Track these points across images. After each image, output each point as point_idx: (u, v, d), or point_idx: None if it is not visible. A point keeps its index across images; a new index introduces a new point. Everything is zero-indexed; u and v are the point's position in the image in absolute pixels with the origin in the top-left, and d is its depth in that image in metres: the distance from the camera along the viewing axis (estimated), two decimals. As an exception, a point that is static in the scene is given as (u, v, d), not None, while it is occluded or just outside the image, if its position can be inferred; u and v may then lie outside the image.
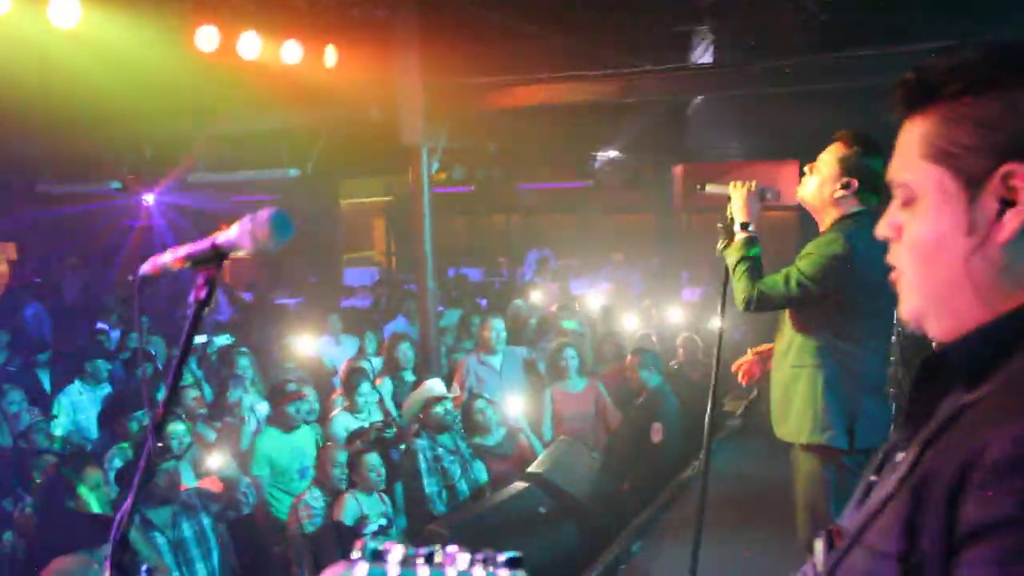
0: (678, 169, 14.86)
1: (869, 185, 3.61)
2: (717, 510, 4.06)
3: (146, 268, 1.62)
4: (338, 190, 15.62)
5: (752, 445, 7.13)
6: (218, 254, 1.51)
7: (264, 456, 6.02)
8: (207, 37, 6.22)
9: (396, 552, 0.89)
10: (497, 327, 7.49)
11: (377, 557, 0.88)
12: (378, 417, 6.90)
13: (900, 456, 1.20)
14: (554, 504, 5.58)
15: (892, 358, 5.21)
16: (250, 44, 6.49)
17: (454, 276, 14.37)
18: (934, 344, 1.23)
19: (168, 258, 1.58)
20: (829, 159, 3.68)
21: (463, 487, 6.05)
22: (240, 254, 1.49)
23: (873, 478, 1.29)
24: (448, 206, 12.76)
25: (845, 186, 3.62)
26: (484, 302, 12.38)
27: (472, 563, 0.89)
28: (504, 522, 5.24)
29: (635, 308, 10.61)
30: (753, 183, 3.84)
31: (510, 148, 10.56)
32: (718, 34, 7.37)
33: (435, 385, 6.43)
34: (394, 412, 7.16)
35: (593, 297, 10.84)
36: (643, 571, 5.34)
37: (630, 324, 9.60)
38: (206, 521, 5.08)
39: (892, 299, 3.78)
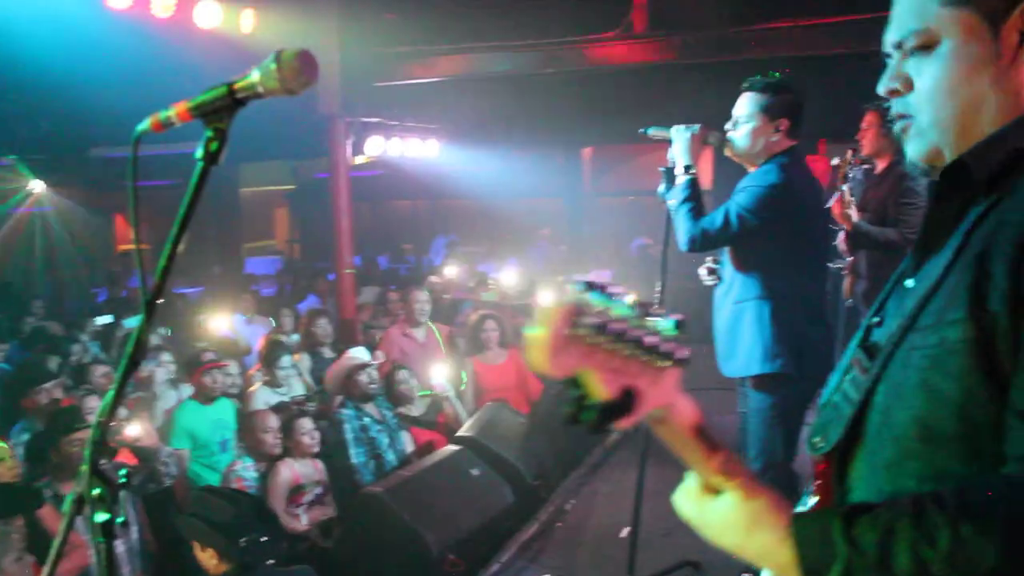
0: (587, 152, 15.03)
1: (795, 121, 3.75)
2: (652, 466, 4.10)
3: (145, 125, 1.49)
4: (239, 177, 15.18)
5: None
6: (235, 100, 1.41)
7: (184, 429, 5.79)
8: (116, -8, 5.89)
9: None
10: (421, 299, 7.41)
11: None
12: (299, 391, 6.74)
13: (911, 282, 1.31)
14: (486, 466, 5.54)
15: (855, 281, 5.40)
16: (165, 2, 6.20)
17: (363, 262, 14.17)
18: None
19: (172, 110, 1.46)
20: (750, 108, 3.77)
21: (390, 457, 5.95)
22: (261, 97, 1.39)
23: (876, 319, 1.39)
24: (353, 191, 12.59)
25: (778, 128, 3.74)
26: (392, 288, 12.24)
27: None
28: (439, 485, 5.17)
29: (550, 283, 10.65)
30: (696, 127, 3.88)
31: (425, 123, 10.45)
32: (638, 8, 7.41)
33: (359, 353, 6.30)
34: (314, 388, 7.00)
35: (507, 274, 10.80)
36: (579, 528, 5.35)
37: (545, 299, 9.62)
38: (123, 494, 4.84)
39: (825, 228, 3.91)
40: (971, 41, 1.23)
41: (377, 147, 9.25)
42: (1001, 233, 1.13)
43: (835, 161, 6.41)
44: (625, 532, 4.58)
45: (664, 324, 1.04)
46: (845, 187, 4.83)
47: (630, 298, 1.02)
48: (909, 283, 1.32)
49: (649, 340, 1.02)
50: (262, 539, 3.72)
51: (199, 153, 1.43)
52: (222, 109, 1.42)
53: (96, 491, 1.62)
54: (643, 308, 1.03)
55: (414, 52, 8.13)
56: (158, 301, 1.51)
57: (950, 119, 1.27)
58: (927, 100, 1.28)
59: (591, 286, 0.99)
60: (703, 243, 3.74)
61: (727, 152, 3.91)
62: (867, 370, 1.30)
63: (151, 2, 6.29)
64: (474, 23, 8.03)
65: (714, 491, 1.21)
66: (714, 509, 1.20)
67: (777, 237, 3.70)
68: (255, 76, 1.38)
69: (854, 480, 1.28)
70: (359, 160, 10.61)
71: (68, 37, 6.14)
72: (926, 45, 1.27)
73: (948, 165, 1.29)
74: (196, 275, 13.27)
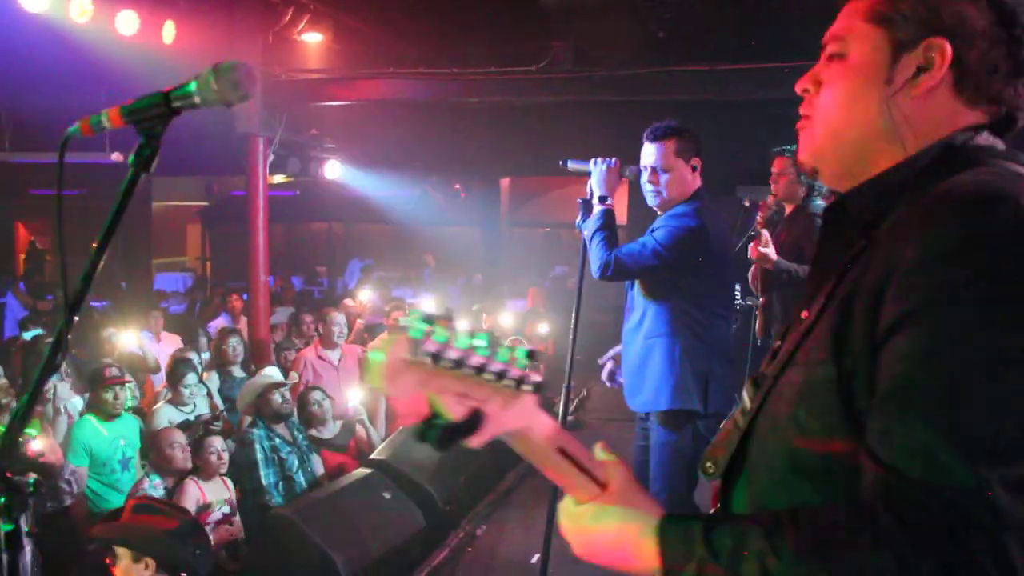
0: (505, 182, 15.16)
1: (700, 161, 3.90)
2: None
3: (76, 127, 1.49)
4: (150, 189, 14.85)
5: (587, 439, 7.26)
6: (170, 109, 1.41)
7: (83, 446, 5.60)
8: (33, -6, 5.73)
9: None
10: (339, 321, 7.36)
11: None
12: (205, 411, 6.59)
13: (804, 314, 1.36)
14: (398, 490, 5.51)
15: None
16: (82, 7, 6.07)
17: (276, 282, 13.98)
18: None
19: (104, 114, 1.46)
20: (665, 156, 3.87)
21: (300, 479, 5.86)
22: (197, 107, 1.40)
23: (778, 343, 1.44)
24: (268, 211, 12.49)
25: (695, 168, 3.89)
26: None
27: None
28: (350, 507, 5.12)
29: (466, 312, 10.68)
30: (613, 159, 3.98)
31: (345, 146, 10.42)
32: (560, 44, 7.58)
33: (272, 372, 6.22)
34: (222, 407, 6.86)
35: (424, 300, 10.80)
36: (489, 553, 5.36)
37: (463, 326, 9.64)
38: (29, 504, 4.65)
39: (732, 269, 4.02)
40: (870, 58, 1.30)
41: (294, 167, 9.18)
42: (864, 280, 1.18)
43: (746, 202, 6.63)
44: (536, 558, 4.60)
45: (519, 352, 1.11)
46: (764, 230, 4.96)
47: (480, 331, 1.09)
48: (803, 315, 1.36)
49: (495, 367, 1.08)
50: (196, 552, 3.69)
51: (131, 159, 1.43)
52: (157, 117, 1.42)
53: (1, 500, 1.57)
54: (494, 339, 1.09)
55: (335, 74, 8.13)
56: (78, 308, 1.50)
57: (835, 126, 1.33)
58: (827, 104, 1.34)
59: (430, 318, 1.06)
60: (616, 271, 3.81)
61: (651, 204, 3.99)
62: (752, 400, 1.36)
63: (69, 6, 6.15)
64: (397, 49, 8.09)
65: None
66: (589, 512, 1.25)
67: (689, 276, 3.80)
68: (192, 86, 1.39)
69: (734, 505, 1.34)
70: (277, 179, 10.51)
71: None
72: (839, 53, 1.33)
73: (830, 205, 1.38)
74: (102, 288, 12.88)
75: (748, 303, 6.55)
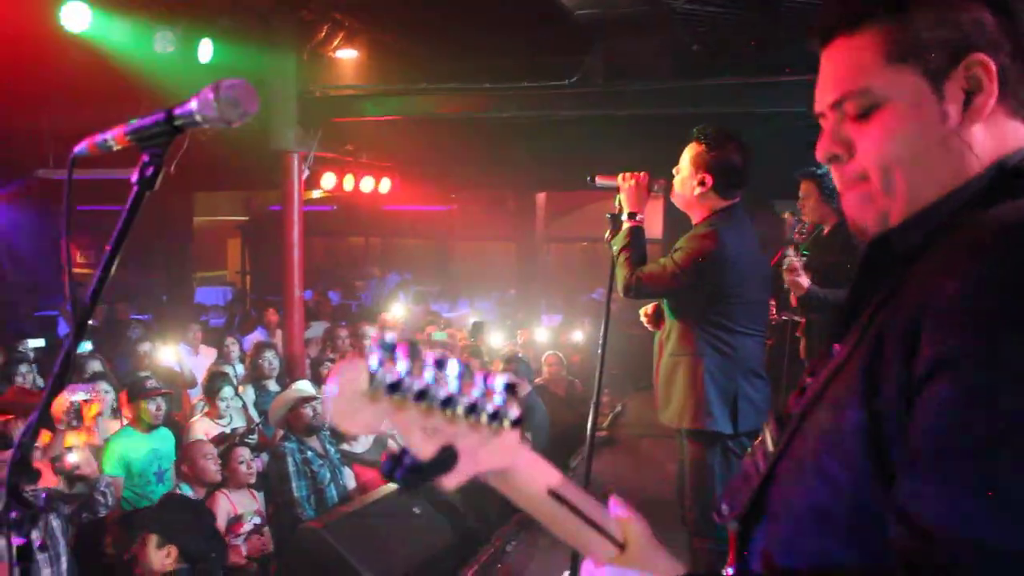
0: (541, 197, 15.16)
1: (724, 179, 3.77)
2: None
3: (82, 146, 1.50)
4: (193, 205, 15.09)
5: (620, 455, 7.26)
6: (172, 128, 1.42)
7: (119, 457, 5.68)
8: (74, 14, 5.85)
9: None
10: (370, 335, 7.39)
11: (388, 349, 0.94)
12: (240, 424, 6.66)
13: (836, 348, 1.26)
14: (428, 505, 5.50)
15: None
16: (120, 29, 6.20)
17: (314, 296, 14.10)
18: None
19: (110, 134, 1.47)
20: (685, 158, 3.85)
21: (332, 492, 5.88)
22: (199, 126, 1.41)
23: (808, 380, 1.33)
24: (306, 226, 12.65)
25: (701, 183, 3.77)
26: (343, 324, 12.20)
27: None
28: (380, 522, 5.12)
29: (500, 327, 10.69)
30: (642, 174, 3.95)
31: (380, 161, 10.50)
32: (592, 58, 7.57)
33: (304, 386, 6.25)
34: (257, 420, 6.92)
35: (459, 314, 10.84)
36: (518, 570, 5.32)
37: (496, 341, 9.66)
38: (55, 523, 4.73)
39: (763, 286, 3.92)
40: (918, 103, 1.16)
41: (330, 182, 9.26)
42: (897, 316, 1.07)
43: (784, 216, 6.54)
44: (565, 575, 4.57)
45: (496, 384, 1.00)
46: (791, 254, 4.77)
47: (453, 361, 0.97)
48: (836, 348, 1.27)
49: (467, 400, 0.98)
50: (213, 554, 3.76)
51: (135, 177, 1.44)
52: (159, 135, 1.43)
53: (13, 514, 1.58)
54: (468, 368, 0.98)
55: (371, 90, 8.19)
56: (88, 322, 1.51)
57: (900, 185, 1.18)
58: (874, 165, 1.20)
59: (390, 345, 0.94)
60: (637, 292, 3.79)
61: (672, 197, 3.97)
62: (776, 442, 1.28)
63: (110, 26, 6.28)
64: (431, 65, 8.14)
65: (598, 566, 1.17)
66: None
67: (711, 296, 3.74)
68: (193, 104, 1.40)
69: (754, 552, 1.26)
70: (315, 195, 10.61)
71: (21, 56, 6.11)
72: (871, 106, 1.19)
73: (875, 239, 1.24)
74: (144, 302, 13.10)
75: (784, 318, 6.43)
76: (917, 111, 1.17)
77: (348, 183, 9.71)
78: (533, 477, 1.10)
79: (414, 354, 0.95)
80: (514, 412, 1.01)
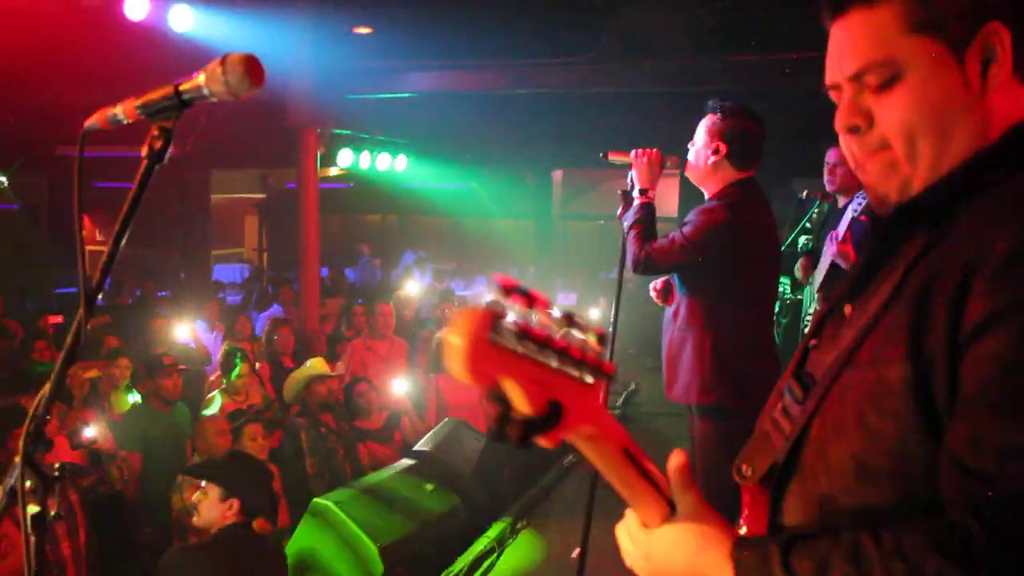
0: (558, 175, 15.12)
1: (739, 148, 3.73)
2: (604, 488, 4.10)
3: (93, 120, 1.51)
4: (210, 182, 15.13)
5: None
6: (181, 101, 1.43)
7: (137, 433, 5.74)
8: (92, -9, 5.87)
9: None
10: (386, 312, 7.43)
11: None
12: (257, 400, 6.70)
13: (847, 309, 1.32)
14: (441, 481, 5.54)
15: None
16: (137, 4, 6.20)
17: (330, 273, 14.14)
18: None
19: (119, 108, 1.48)
20: (700, 129, 3.82)
21: (345, 469, 5.94)
22: (208, 99, 1.41)
23: (813, 342, 1.40)
24: (323, 203, 12.69)
25: (715, 151, 3.74)
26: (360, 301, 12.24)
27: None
28: (392, 497, 5.16)
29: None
30: (654, 150, 3.92)
31: (397, 138, 10.50)
32: (608, 34, 7.52)
33: (318, 364, 6.29)
34: (274, 396, 6.96)
35: (474, 294, 10.84)
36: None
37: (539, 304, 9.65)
38: (73, 497, 4.79)
39: (775, 263, 3.86)
40: (940, 71, 1.20)
41: (347, 159, 9.26)
42: (942, 273, 1.12)
43: (803, 195, 6.50)
44: (576, 553, 4.59)
45: (590, 336, 1.00)
46: (843, 226, 4.78)
47: (555, 308, 0.98)
48: (847, 311, 1.33)
49: (575, 351, 0.97)
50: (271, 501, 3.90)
51: (144, 151, 1.44)
52: (168, 109, 1.43)
53: (28, 483, 1.60)
54: (568, 318, 0.99)
55: (387, 67, 8.17)
56: (98, 297, 1.52)
57: (924, 153, 1.22)
58: (898, 134, 1.23)
59: (511, 291, 0.95)
60: (646, 267, 3.77)
61: (686, 171, 3.95)
62: (801, 403, 1.30)
63: (124, 3, 6.28)
64: (447, 41, 8.11)
65: (650, 526, 1.21)
66: (660, 538, 1.20)
67: (721, 271, 3.71)
68: (201, 78, 1.40)
69: (788, 510, 1.29)
70: (332, 172, 10.61)
71: (41, 33, 6.13)
72: (892, 77, 1.22)
73: (902, 206, 1.27)
74: (163, 279, 13.18)
75: (799, 297, 6.41)
76: (939, 80, 1.20)
77: (364, 160, 9.71)
78: (611, 434, 1.10)
79: (531, 306, 0.95)
80: (609, 366, 1.01)
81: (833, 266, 4.90)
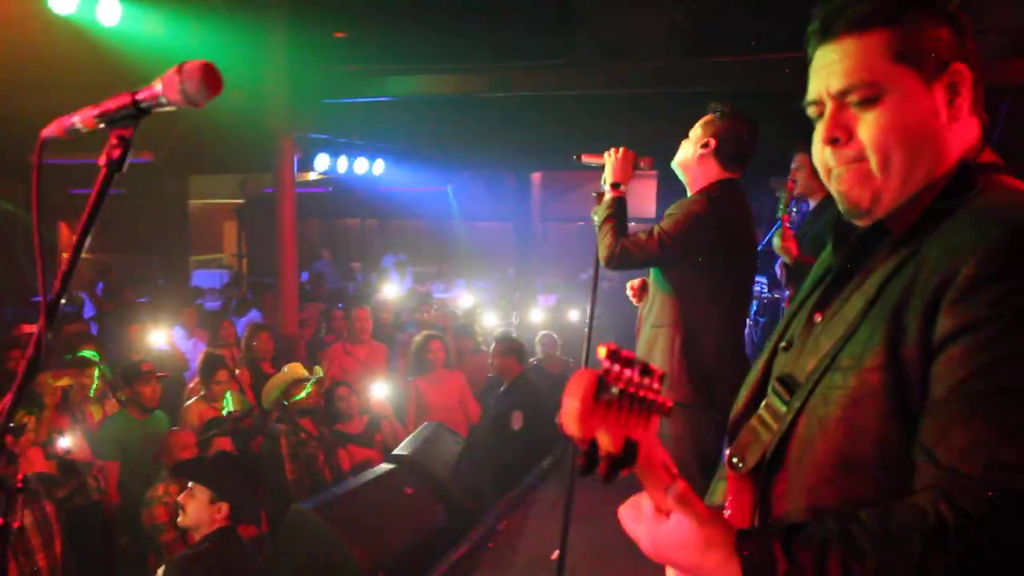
0: (537, 177, 15.14)
1: (728, 148, 3.75)
2: (583, 491, 4.12)
3: (51, 130, 1.50)
4: (188, 188, 15.04)
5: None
6: (138, 110, 1.42)
7: (115, 441, 5.70)
8: (62, -2, 5.82)
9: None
10: (366, 317, 7.42)
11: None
12: (236, 406, 6.66)
13: (818, 316, 1.47)
14: (420, 485, 5.53)
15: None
16: (110, 9, 6.15)
17: (311, 276, 14.10)
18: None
19: (77, 117, 1.47)
20: (696, 125, 3.84)
21: (325, 474, 5.92)
22: (165, 107, 1.41)
23: (783, 344, 1.55)
24: (302, 208, 12.65)
25: (705, 145, 3.75)
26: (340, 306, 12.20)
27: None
28: (372, 502, 5.14)
29: (495, 307, 10.70)
30: (628, 149, 3.93)
31: (374, 142, 10.48)
32: (584, 37, 7.54)
33: (296, 369, 6.27)
34: (253, 402, 6.93)
35: (455, 295, 10.84)
36: (509, 548, 5.36)
37: (490, 321, 9.68)
38: (48, 508, 4.74)
39: (752, 263, 3.85)
40: (915, 98, 1.37)
41: (324, 164, 9.24)
42: (913, 291, 1.27)
43: (773, 185, 6.56)
44: (555, 554, 4.60)
45: (653, 378, 1.17)
46: (782, 218, 4.90)
47: (633, 360, 1.14)
48: (818, 319, 1.48)
49: (645, 394, 1.15)
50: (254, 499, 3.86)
51: (102, 160, 1.44)
52: (126, 117, 1.43)
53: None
54: (643, 366, 1.15)
55: (364, 71, 8.16)
56: (58, 304, 1.52)
57: (896, 167, 1.38)
58: (875, 148, 1.39)
59: (614, 354, 1.11)
60: (621, 262, 3.73)
61: (672, 165, 3.94)
62: (787, 402, 1.44)
63: (97, 8, 6.23)
64: (423, 45, 8.10)
65: (665, 513, 1.30)
66: (669, 529, 1.29)
67: (697, 267, 3.70)
68: (158, 86, 1.39)
69: (777, 499, 1.42)
70: (311, 176, 10.58)
71: (12, 42, 6.08)
72: (873, 97, 1.38)
73: (871, 226, 1.43)
74: (141, 286, 13.08)
75: (776, 296, 6.44)
76: (914, 105, 1.38)
77: (342, 165, 9.69)
78: (656, 452, 1.26)
79: (618, 363, 1.12)
80: (669, 404, 1.19)
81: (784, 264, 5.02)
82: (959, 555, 1.11)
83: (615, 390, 1.11)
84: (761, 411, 1.51)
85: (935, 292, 1.24)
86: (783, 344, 1.56)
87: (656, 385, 1.17)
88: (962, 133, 1.41)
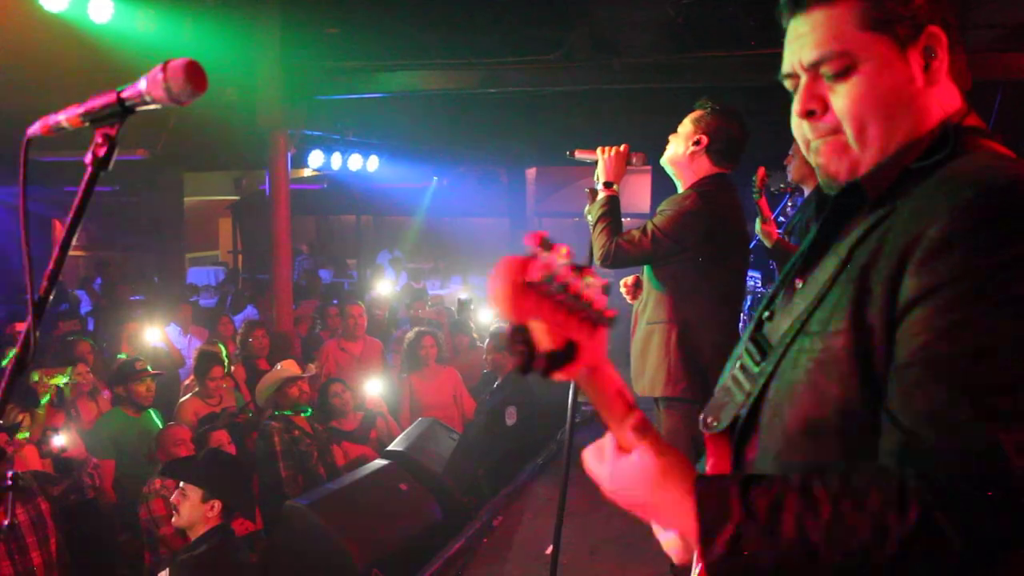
0: (531, 172, 15.13)
1: (720, 144, 3.76)
2: (577, 487, 4.12)
3: (35, 128, 1.50)
4: (183, 185, 15.02)
5: (604, 429, 7.26)
6: (123, 108, 1.42)
7: (110, 438, 5.70)
8: (54, -6, 5.81)
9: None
10: (360, 314, 7.41)
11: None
12: (232, 403, 6.66)
13: (798, 281, 1.45)
14: (415, 481, 5.53)
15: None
16: (102, 6, 6.14)
17: (304, 273, 14.09)
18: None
19: (63, 116, 1.47)
20: (686, 121, 3.84)
21: (319, 471, 5.91)
22: (149, 106, 1.41)
23: (767, 314, 1.53)
24: (297, 204, 12.64)
25: (696, 142, 3.76)
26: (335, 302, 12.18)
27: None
28: (366, 499, 5.15)
29: (490, 303, 10.70)
30: (622, 146, 3.93)
31: (368, 138, 10.46)
32: (578, 32, 7.53)
33: (290, 366, 6.27)
34: (249, 399, 6.93)
35: (448, 293, 10.85)
36: (505, 543, 5.37)
37: (485, 317, 9.68)
38: (44, 505, 4.74)
39: (744, 257, 3.87)
40: (889, 65, 1.35)
41: (318, 160, 9.23)
42: (882, 253, 1.25)
43: (760, 170, 6.57)
44: (549, 550, 4.60)
45: (597, 284, 1.13)
46: (759, 202, 4.91)
47: (578, 265, 1.12)
48: (798, 284, 1.46)
49: (587, 295, 1.11)
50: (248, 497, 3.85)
51: (88, 158, 1.44)
52: (111, 116, 1.42)
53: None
54: (579, 268, 1.11)
55: (357, 67, 8.14)
56: (47, 302, 1.51)
57: (872, 137, 1.37)
58: (850, 119, 1.37)
59: (541, 241, 1.08)
60: (616, 260, 3.75)
61: (661, 162, 3.95)
62: (759, 364, 1.44)
63: (88, 5, 6.22)
64: (417, 41, 8.09)
65: (626, 451, 1.27)
66: (627, 463, 1.26)
67: (691, 263, 3.72)
68: (143, 84, 1.39)
69: (749, 462, 1.41)
70: (306, 173, 10.56)
71: (3, 39, 6.07)
72: (847, 67, 1.36)
73: (846, 186, 1.41)
74: (136, 283, 13.06)
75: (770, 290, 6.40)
76: (889, 73, 1.35)
77: (336, 161, 9.68)
78: (608, 375, 1.22)
79: (555, 256, 1.08)
80: (613, 311, 1.14)
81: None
82: (918, 515, 1.11)
83: (543, 272, 1.06)
84: (735, 371, 1.50)
85: (902, 254, 1.22)
86: (767, 315, 1.54)
87: (597, 290, 1.13)
88: (941, 97, 1.38)
